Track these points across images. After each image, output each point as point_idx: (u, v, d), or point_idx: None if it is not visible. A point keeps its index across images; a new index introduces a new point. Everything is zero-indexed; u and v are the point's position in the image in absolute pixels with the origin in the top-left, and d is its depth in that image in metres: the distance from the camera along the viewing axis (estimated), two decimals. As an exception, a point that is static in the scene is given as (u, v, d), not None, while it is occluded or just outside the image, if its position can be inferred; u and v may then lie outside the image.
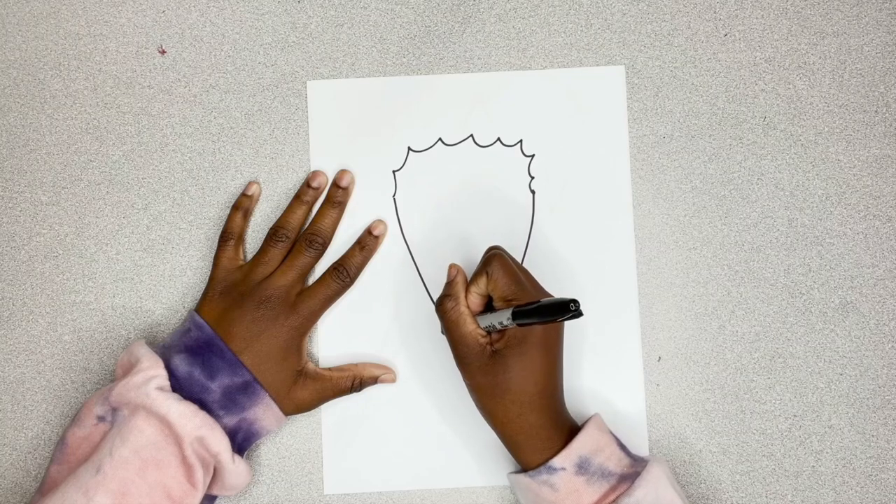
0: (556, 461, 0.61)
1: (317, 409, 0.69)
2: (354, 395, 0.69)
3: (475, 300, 0.64)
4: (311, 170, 0.70)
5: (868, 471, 0.69)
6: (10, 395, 0.69)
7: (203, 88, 0.71)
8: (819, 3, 0.71)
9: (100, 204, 0.71)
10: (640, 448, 0.69)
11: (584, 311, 0.57)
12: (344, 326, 0.70)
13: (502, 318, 0.61)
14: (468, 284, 0.64)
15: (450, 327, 0.63)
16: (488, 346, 0.62)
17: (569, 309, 0.57)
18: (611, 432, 0.64)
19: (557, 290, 0.68)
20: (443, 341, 0.70)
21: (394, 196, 0.71)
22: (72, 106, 0.71)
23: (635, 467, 0.62)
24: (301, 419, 0.69)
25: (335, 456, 0.69)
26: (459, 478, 0.69)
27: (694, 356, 0.70)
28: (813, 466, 0.69)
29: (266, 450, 0.69)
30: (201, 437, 0.61)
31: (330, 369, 0.68)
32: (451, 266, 0.65)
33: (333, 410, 0.69)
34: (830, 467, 0.69)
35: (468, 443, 0.69)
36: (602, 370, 0.69)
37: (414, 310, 0.70)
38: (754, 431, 0.69)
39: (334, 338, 0.70)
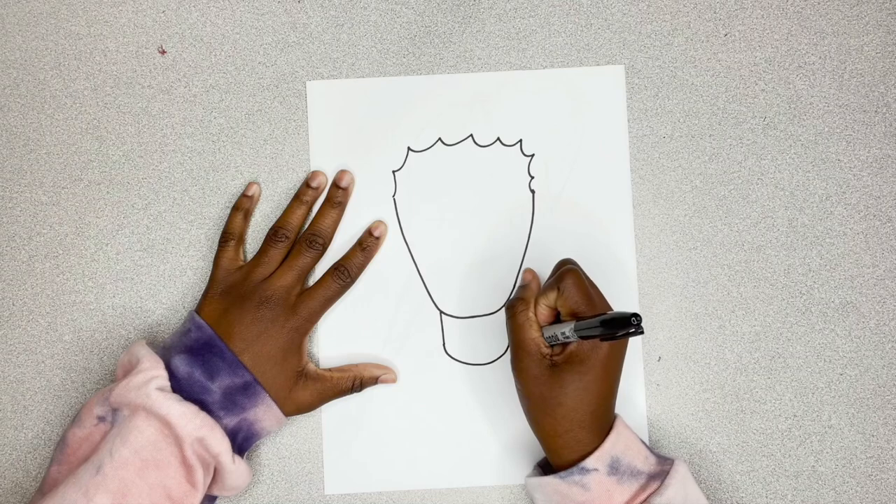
0: (590, 462, 0.61)
1: (317, 410, 0.69)
2: (355, 396, 0.69)
3: (544, 311, 0.63)
4: (311, 170, 0.70)
5: (868, 471, 0.69)
6: (10, 395, 0.69)
7: (203, 88, 0.71)
8: (819, 3, 0.71)
9: (100, 204, 0.71)
10: (640, 448, 0.69)
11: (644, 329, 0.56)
12: (344, 326, 0.70)
13: (565, 329, 0.60)
14: (538, 295, 0.64)
15: (515, 330, 0.63)
16: (548, 358, 0.62)
17: (629, 323, 0.55)
18: (633, 431, 0.64)
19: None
20: (440, 341, 0.70)
21: (394, 196, 0.71)
22: (72, 106, 0.71)
23: (661, 466, 0.62)
24: (301, 419, 0.69)
25: (336, 456, 0.69)
26: (459, 478, 0.69)
27: (694, 356, 0.70)
28: (813, 466, 0.69)
29: (266, 450, 0.69)
30: (202, 438, 0.61)
31: (330, 370, 0.68)
32: (527, 271, 0.67)
33: (334, 410, 0.69)
34: (830, 467, 0.69)
35: (468, 443, 0.69)
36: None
37: (414, 310, 0.70)
38: (754, 431, 0.69)
39: (334, 338, 0.70)
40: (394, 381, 0.69)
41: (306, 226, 0.70)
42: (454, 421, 0.70)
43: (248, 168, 0.71)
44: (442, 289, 0.70)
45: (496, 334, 0.70)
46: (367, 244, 0.69)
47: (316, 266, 0.69)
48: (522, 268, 0.70)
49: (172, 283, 0.70)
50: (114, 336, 0.70)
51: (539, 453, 0.69)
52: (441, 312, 0.70)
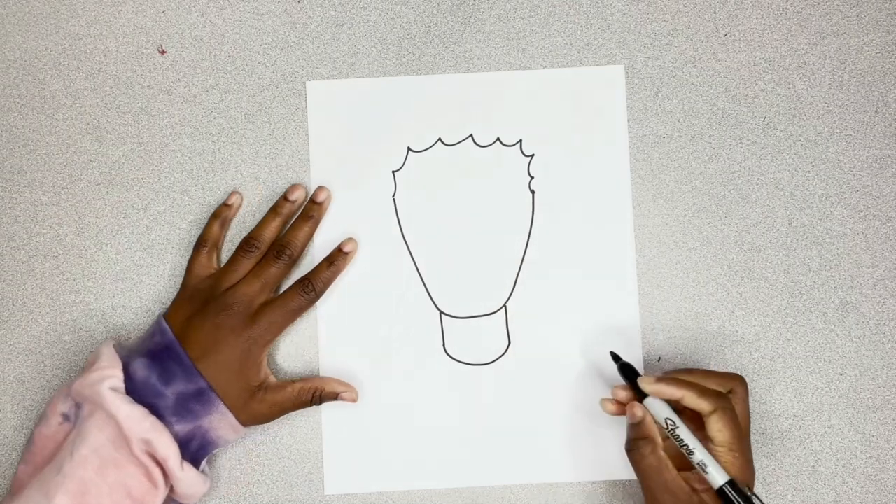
0: None
1: (318, 409, 0.69)
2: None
3: (665, 400, 0.61)
4: (311, 170, 0.70)
5: (868, 471, 0.69)
6: (10, 395, 0.69)
7: (203, 88, 0.71)
8: (819, 3, 0.71)
9: (100, 204, 0.71)
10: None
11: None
12: (344, 327, 0.70)
13: (711, 468, 0.58)
14: (690, 388, 0.60)
15: (649, 474, 0.59)
16: (695, 495, 0.59)
17: None
18: None
19: (556, 290, 0.69)
20: (440, 341, 0.70)
21: (393, 196, 0.71)
22: (72, 106, 0.71)
23: None
24: (302, 420, 0.69)
25: (336, 456, 0.69)
26: (460, 478, 0.69)
27: (694, 356, 0.70)
28: (813, 466, 0.69)
29: (266, 450, 0.69)
30: (148, 441, 0.61)
31: (292, 381, 0.67)
32: (635, 406, 0.61)
33: (334, 411, 0.69)
34: (830, 467, 0.69)
35: (468, 443, 0.69)
36: (602, 370, 0.69)
37: (414, 310, 0.70)
38: (754, 431, 0.69)
39: (334, 338, 0.70)
40: (354, 400, 0.68)
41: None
42: (454, 421, 0.69)
43: (248, 168, 0.71)
44: (442, 289, 0.70)
45: (496, 335, 0.70)
46: (335, 260, 0.69)
47: (286, 279, 0.69)
48: (523, 267, 0.70)
49: (172, 283, 0.70)
50: (113, 336, 0.70)
51: (540, 456, 0.69)
52: (441, 312, 0.70)
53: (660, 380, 0.61)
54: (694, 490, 0.60)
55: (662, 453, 0.60)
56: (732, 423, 0.59)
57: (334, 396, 0.67)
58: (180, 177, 0.71)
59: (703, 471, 0.59)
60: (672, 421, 0.60)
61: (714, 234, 0.70)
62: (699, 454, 0.59)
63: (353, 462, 0.69)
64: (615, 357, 0.65)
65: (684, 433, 0.60)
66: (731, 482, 0.58)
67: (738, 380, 0.62)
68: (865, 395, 0.69)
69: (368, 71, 0.71)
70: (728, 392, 0.62)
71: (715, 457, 0.59)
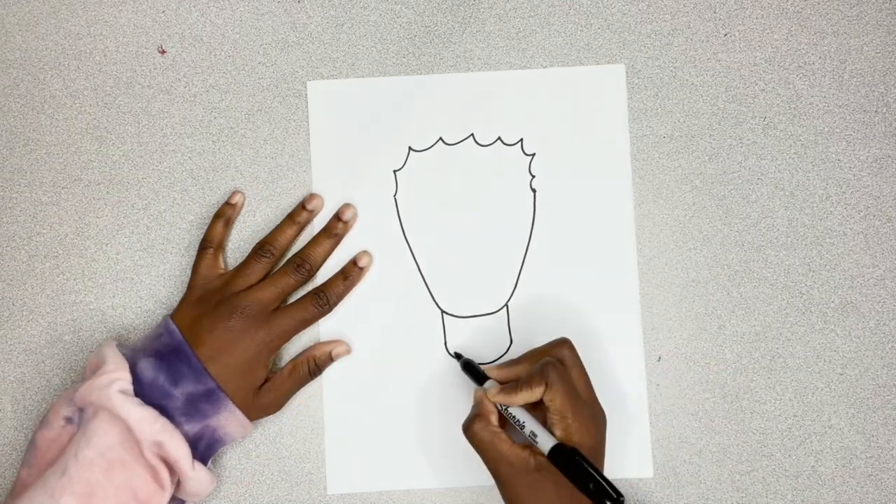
0: None
1: (319, 409, 0.69)
2: (356, 395, 0.69)
3: (518, 404, 0.62)
4: (312, 170, 0.70)
5: (868, 471, 0.69)
6: (10, 395, 0.69)
7: (203, 88, 0.71)
8: (819, 3, 0.71)
9: (100, 204, 0.71)
10: (642, 446, 0.69)
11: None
12: (345, 326, 0.70)
13: (540, 436, 0.60)
14: (521, 387, 0.62)
15: (485, 449, 0.62)
16: (532, 459, 0.61)
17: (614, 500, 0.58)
18: None
19: (557, 289, 0.69)
20: (441, 340, 0.70)
21: (395, 196, 0.71)
22: (72, 106, 0.71)
23: None
24: (304, 419, 0.69)
25: (338, 455, 0.69)
26: (462, 477, 0.69)
27: (694, 356, 0.70)
28: (813, 466, 0.69)
29: (267, 450, 0.69)
30: (160, 443, 0.61)
31: (283, 366, 0.68)
32: (478, 391, 0.65)
33: (336, 410, 0.69)
34: (830, 467, 0.69)
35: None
36: (602, 370, 0.69)
37: (415, 309, 0.70)
38: (754, 431, 0.69)
39: (336, 337, 0.70)
40: (348, 352, 0.69)
41: (294, 246, 0.70)
42: (457, 420, 0.69)
43: (248, 168, 0.71)
44: (443, 288, 0.70)
45: (498, 334, 0.70)
46: (349, 274, 0.69)
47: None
48: (524, 266, 0.70)
49: (172, 283, 0.70)
50: (113, 336, 0.70)
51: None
52: (442, 312, 0.70)
53: (501, 391, 0.62)
54: (533, 453, 0.61)
55: (495, 428, 0.62)
56: (562, 391, 0.61)
57: (328, 357, 0.68)
58: (180, 177, 0.71)
59: (534, 440, 0.61)
60: (532, 434, 0.62)
61: (714, 234, 0.70)
62: (529, 425, 0.61)
63: (356, 462, 0.69)
64: (457, 355, 0.69)
65: (515, 410, 0.62)
66: (556, 446, 0.60)
67: (565, 345, 0.63)
68: (865, 395, 0.69)
69: (369, 71, 0.71)
70: (558, 361, 0.62)
71: (551, 424, 0.61)
